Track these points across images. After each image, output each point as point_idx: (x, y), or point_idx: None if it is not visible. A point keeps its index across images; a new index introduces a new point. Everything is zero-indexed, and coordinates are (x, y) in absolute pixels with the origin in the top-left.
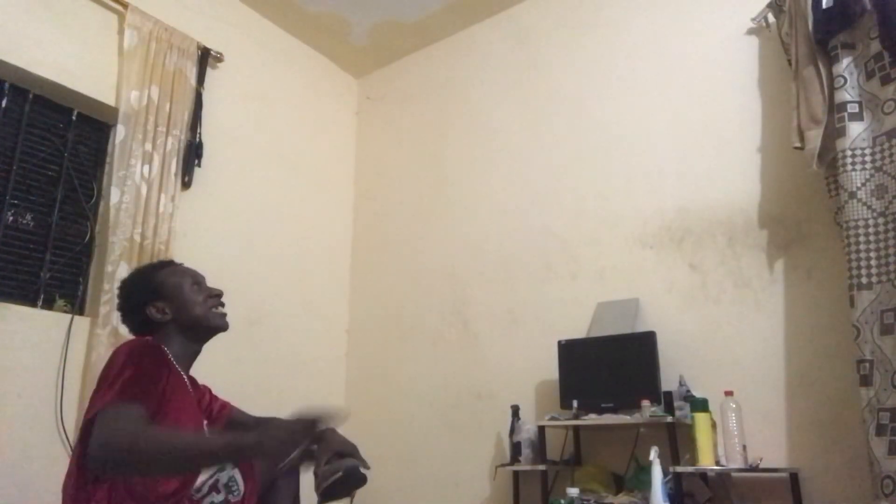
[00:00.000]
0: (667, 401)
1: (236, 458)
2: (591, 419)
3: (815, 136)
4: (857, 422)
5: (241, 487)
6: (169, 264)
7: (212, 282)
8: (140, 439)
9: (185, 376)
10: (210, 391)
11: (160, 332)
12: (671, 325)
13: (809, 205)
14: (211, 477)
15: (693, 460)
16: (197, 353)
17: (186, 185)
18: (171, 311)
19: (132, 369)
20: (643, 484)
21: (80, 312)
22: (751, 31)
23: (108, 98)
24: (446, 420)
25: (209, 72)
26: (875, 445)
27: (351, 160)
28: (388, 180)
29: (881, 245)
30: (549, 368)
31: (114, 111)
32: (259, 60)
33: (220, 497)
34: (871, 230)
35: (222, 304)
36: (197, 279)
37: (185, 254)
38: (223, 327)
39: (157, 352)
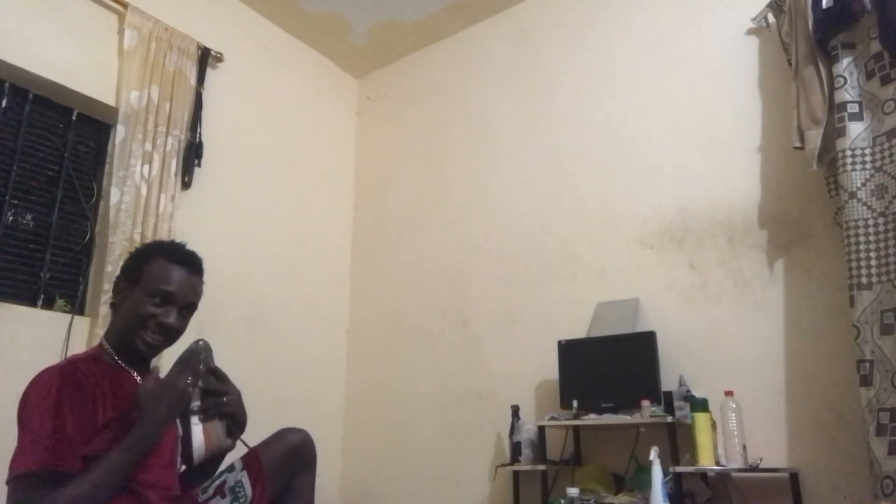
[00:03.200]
0: (667, 401)
1: (142, 448)
2: (591, 419)
3: (815, 136)
4: (857, 422)
5: (249, 492)
6: (174, 260)
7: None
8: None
9: (128, 372)
10: None
11: (114, 318)
12: (671, 325)
13: (809, 205)
14: (218, 478)
15: (693, 460)
16: (140, 362)
17: (186, 185)
18: (126, 300)
19: (49, 419)
20: (643, 484)
21: (80, 312)
22: (751, 31)
23: (108, 98)
24: (446, 420)
25: (209, 72)
26: (875, 445)
27: (351, 160)
28: (388, 180)
29: (881, 245)
30: (549, 368)
31: (114, 111)
32: (259, 60)
33: (227, 501)
34: (871, 230)
35: (158, 337)
36: (164, 295)
37: None
38: (141, 354)
39: (70, 385)
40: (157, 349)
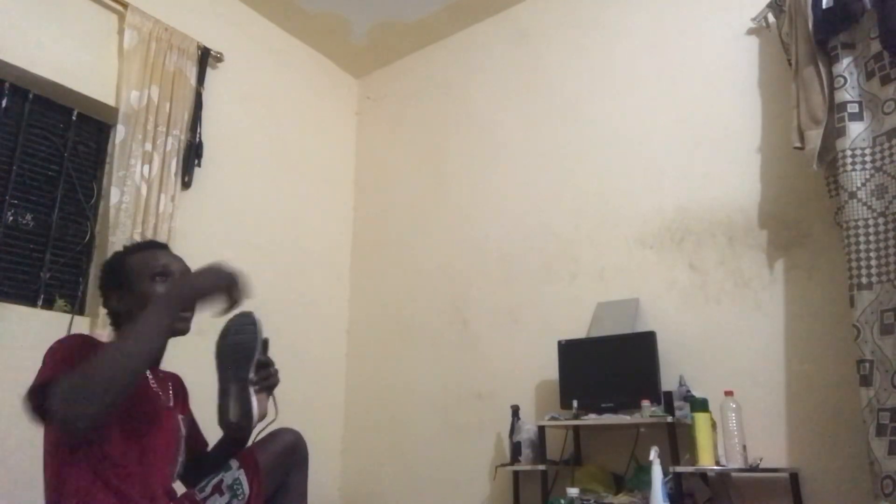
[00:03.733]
0: (667, 401)
1: (178, 306)
2: (591, 419)
3: (815, 136)
4: (857, 422)
5: (247, 489)
6: (146, 248)
7: None
8: (83, 367)
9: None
10: (178, 379)
11: (120, 322)
12: (671, 325)
13: (809, 205)
14: (215, 476)
15: (693, 460)
16: (160, 349)
17: (186, 185)
18: (128, 303)
19: (66, 352)
20: (643, 484)
21: (80, 312)
22: (751, 31)
23: (108, 98)
24: (446, 420)
25: (209, 72)
26: (875, 445)
27: (351, 160)
28: (388, 180)
29: (881, 245)
30: (549, 368)
31: (114, 111)
32: (259, 60)
33: (225, 499)
34: (871, 230)
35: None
36: (164, 270)
37: (185, 254)
38: (181, 331)
39: (89, 345)
40: (191, 320)
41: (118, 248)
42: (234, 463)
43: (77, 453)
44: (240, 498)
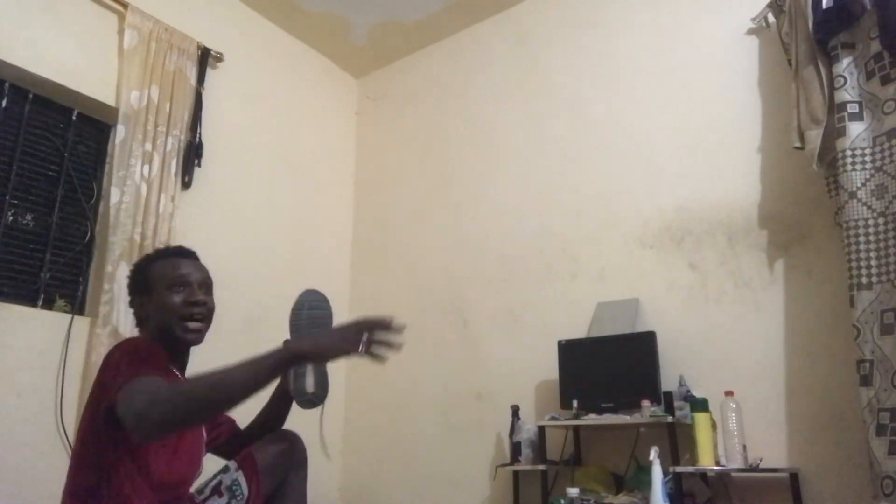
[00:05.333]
0: (667, 401)
1: (287, 366)
2: (591, 419)
3: (815, 136)
4: (857, 422)
5: (245, 491)
6: (170, 255)
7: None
8: (177, 388)
9: (179, 377)
10: None
11: (146, 330)
12: (671, 325)
13: (809, 205)
14: (214, 478)
15: (693, 460)
16: (185, 356)
17: (186, 185)
18: (147, 309)
19: (137, 357)
20: (643, 484)
21: (80, 312)
22: (751, 31)
23: (108, 98)
24: (446, 420)
25: (209, 72)
26: (875, 445)
27: (351, 160)
28: (388, 180)
29: (881, 245)
30: (549, 368)
31: (114, 111)
32: (259, 60)
33: (224, 500)
34: (871, 230)
35: (198, 317)
36: (181, 280)
37: None
38: (189, 342)
39: (153, 349)
40: (201, 332)
41: (118, 248)
42: (232, 464)
43: (121, 447)
44: (238, 499)
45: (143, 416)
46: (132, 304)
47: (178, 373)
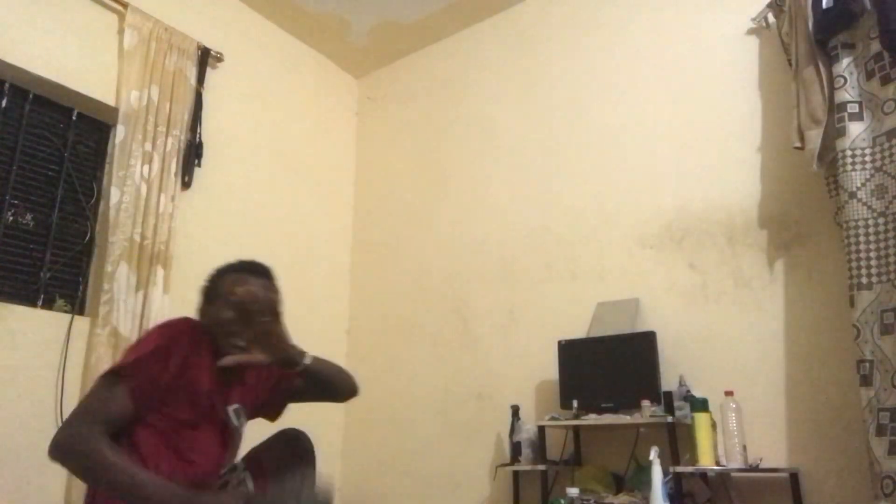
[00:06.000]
0: (667, 401)
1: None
2: (591, 419)
3: (815, 136)
4: (857, 422)
5: (251, 490)
6: (241, 270)
7: None
8: (99, 454)
9: (211, 360)
10: (269, 368)
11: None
12: (671, 325)
13: (809, 205)
14: (220, 479)
15: (693, 460)
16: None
17: (186, 185)
18: (206, 316)
19: (154, 343)
20: (643, 484)
21: (80, 312)
22: (751, 31)
23: (108, 98)
24: (446, 420)
25: (209, 72)
26: (875, 445)
27: (351, 160)
28: (388, 180)
29: (881, 245)
30: (549, 368)
31: (114, 111)
32: (259, 60)
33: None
34: (871, 230)
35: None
36: (245, 308)
37: (185, 254)
38: (230, 352)
39: (189, 331)
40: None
41: (118, 248)
42: (240, 465)
43: (146, 419)
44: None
45: (59, 446)
46: (198, 308)
47: (211, 356)
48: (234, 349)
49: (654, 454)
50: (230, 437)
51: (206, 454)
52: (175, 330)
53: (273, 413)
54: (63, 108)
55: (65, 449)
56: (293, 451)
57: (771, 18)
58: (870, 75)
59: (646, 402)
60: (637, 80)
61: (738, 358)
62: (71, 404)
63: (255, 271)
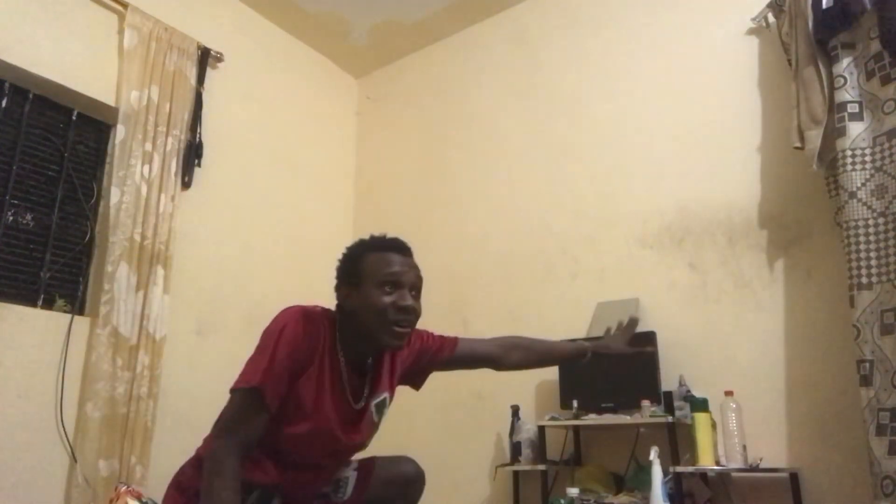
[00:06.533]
0: (667, 401)
1: None
2: (591, 419)
3: (815, 136)
4: (857, 422)
5: (349, 492)
6: (386, 248)
7: (212, 281)
8: (214, 474)
9: (342, 359)
10: (410, 350)
11: (344, 315)
12: (671, 325)
13: (809, 205)
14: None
15: (693, 460)
16: (365, 353)
17: (186, 185)
18: (354, 303)
19: (283, 346)
20: (643, 484)
21: (80, 312)
22: (751, 31)
23: (108, 98)
24: (446, 420)
25: (209, 72)
26: (875, 445)
27: (351, 160)
28: (388, 180)
29: (881, 245)
30: (549, 368)
31: (114, 111)
32: (259, 60)
33: (328, 489)
34: (871, 230)
35: (404, 324)
36: (394, 280)
37: (185, 254)
38: (390, 346)
39: (316, 327)
40: (405, 335)
41: (118, 248)
42: (353, 462)
43: None
44: (339, 495)
45: (210, 455)
46: (338, 291)
47: (343, 354)
48: (396, 339)
49: (654, 454)
50: (342, 445)
51: (313, 458)
52: (292, 320)
53: (418, 383)
54: (63, 108)
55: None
56: (406, 480)
57: (771, 18)
58: (870, 75)
59: (646, 402)
60: (637, 79)
61: (738, 358)
62: (71, 404)
63: (399, 249)
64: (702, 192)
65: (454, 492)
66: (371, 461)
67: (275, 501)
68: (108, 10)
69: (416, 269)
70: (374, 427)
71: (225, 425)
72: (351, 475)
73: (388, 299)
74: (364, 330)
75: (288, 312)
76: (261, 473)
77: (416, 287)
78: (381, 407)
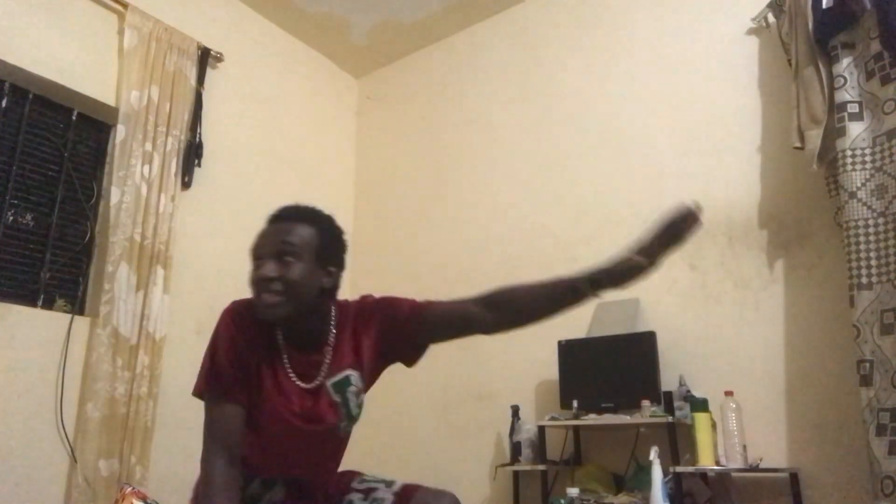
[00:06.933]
0: (667, 401)
1: None
2: (591, 419)
3: (815, 136)
4: (857, 422)
5: None
6: (267, 220)
7: (212, 281)
8: (204, 482)
9: (282, 343)
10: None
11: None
12: (671, 325)
13: (809, 205)
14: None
15: (693, 460)
16: (307, 333)
17: (186, 185)
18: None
19: (220, 346)
20: (643, 484)
21: (80, 312)
22: (751, 31)
23: (108, 98)
24: (446, 420)
25: (209, 72)
26: (875, 445)
27: (351, 160)
28: (388, 180)
29: (881, 245)
30: (549, 368)
31: (114, 111)
32: (259, 60)
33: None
34: (871, 230)
35: (266, 292)
36: (255, 252)
37: (185, 254)
38: (266, 319)
39: (244, 319)
40: (276, 307)
41: (118, 248)
42: (397, 485)
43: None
44: None
45: (201, 463)
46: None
47: (285, 341)
48: (261, 310)
49: (654, 454)
50: (305, 444)
51: (274, 460)
52: (229, 318)
53: (406, 359)
54: (63, 108)
55: None
56: None
57: (771, 18)
58: (870, 75)
59: (646, 402)
60: (637, 79)
61: (738, 358)
62: (71, 404)
63: (275, 218)
64: (702, 192)
65: (454, 492)
66: (414, 488)
67: (277, 488)
68: (108, 10)
69: (283, 233)
70: (340, 408)
71: (204, 433)
72: (388, 497)
73: (253, 274)
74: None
75: (223, 312)
76: (258, 464)
77: (282, 252)
78: (343, 385)
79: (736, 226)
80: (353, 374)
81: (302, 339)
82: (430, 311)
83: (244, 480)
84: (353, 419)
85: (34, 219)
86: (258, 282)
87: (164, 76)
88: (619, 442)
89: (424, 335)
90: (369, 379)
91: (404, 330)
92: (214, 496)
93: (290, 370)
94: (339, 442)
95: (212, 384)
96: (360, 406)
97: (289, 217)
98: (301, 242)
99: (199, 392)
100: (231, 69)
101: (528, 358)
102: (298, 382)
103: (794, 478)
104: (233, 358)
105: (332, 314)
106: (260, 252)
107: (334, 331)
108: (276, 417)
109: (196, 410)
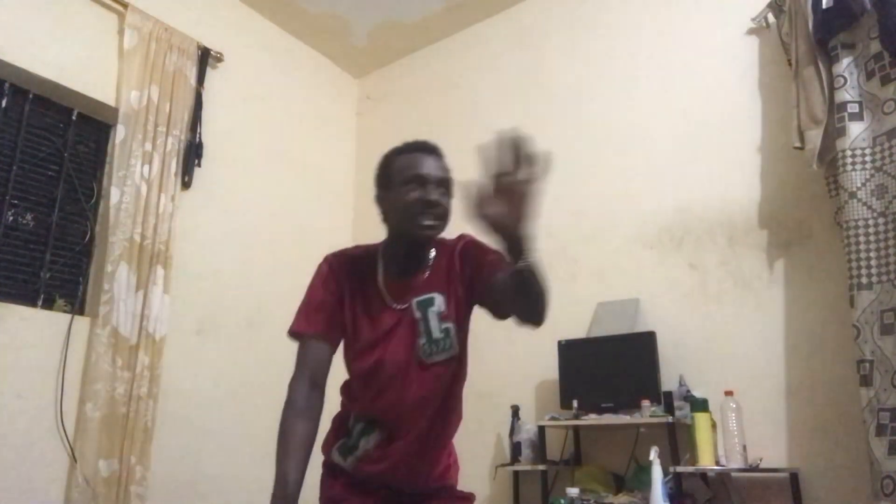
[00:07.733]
0: (667, 401)
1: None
2: (591, 419)
3: (815, 136)
4: (857, 422)
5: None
6: (413, 150)
7: (212, 281)
8: (287, 404)
9: (381, 272)
10: (451, 260)
11: (386, 223)
12: (671, 325)
13: (809, 205)
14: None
15: (693, 460)
16: (409, 259)
17: (186, 185)
18: (384, 204)
19: (314, 286)
20: (643, 484)
21: (80, 312)
22: (751, 31)
23: (108, 98)
24: None
25: (209, 72)
26: (875, 445)
27: (351, 160)
28: None
29: (881, 245)
30: (549, 368)
31: (114, 111)
32: (259, 60)
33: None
34: (871, 230)
35: (431, 217)
36: (418, 177)
37: (185, 254)
38: (420, 237)
39: (339, 258)
40: (436, 229)
41: (118, 248)
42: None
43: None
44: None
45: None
46: (376, 200)
47: (385, 281)
48: (425, 230)
49: (654, 454)
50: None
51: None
52: (319, 271)
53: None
54: (63, 108)
55: None
56: None
57: (771, 18)
58: (870, 75)
59: (646, 402)
60: (637, 80)
61: (738, 358)
62: (71, 404)
63: (426, 149)
64: (702, 192)
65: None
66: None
67: (375, 434)
68: (108, 10)
69: (443, 167)
70: (419, 324)
71: (295, 365)
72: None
73: (413, 195)
74: (396, 231)
75: (322, 259)
76: (359, 402)
77: (443, 183)
78: (426, 304)
79: (736, 226)
80: (438, 297)
81: (403, 268)
82: (496, 270)
83: (352, 422)
84: (433, 342)
85: (34, 219)
86: (426, 203)
87: (164, 76)
88: (619, 442)
89: (488, 292)
90: (457, 308)
91: (482, 265)
92: (292, 415)
93: (387, 295)
94: (431, 382)
95: (302, 320)
96: (445, 333)
97: (440, 154)
98: (452, 180)
99: (292, 331)
100: (231, 69)
101: (528, 358)
102: (393, 304)
103: (794, 478)
104: (324, 297)
105: (433, 245)
106: (428, 178)
107: (432, 259)
108: (367, 343)
109: (196, 410)
